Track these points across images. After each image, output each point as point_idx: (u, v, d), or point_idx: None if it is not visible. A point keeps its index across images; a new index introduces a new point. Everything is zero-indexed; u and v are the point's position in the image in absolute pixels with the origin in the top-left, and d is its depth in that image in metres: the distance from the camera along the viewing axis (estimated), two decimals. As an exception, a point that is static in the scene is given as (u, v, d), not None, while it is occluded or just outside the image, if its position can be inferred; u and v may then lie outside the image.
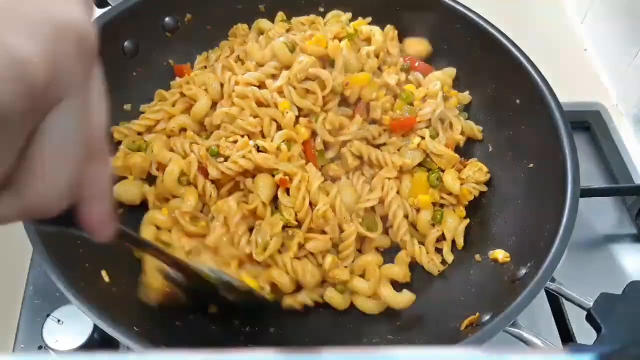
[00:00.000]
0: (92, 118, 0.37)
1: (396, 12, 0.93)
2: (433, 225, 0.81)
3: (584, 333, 0.82)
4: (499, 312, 0.63)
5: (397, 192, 0.81)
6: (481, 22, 0.86)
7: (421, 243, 0.81)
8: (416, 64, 0.90)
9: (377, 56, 0.87)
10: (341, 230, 0.77)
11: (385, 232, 0.81)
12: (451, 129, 0.86)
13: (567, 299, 0.68)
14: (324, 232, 0.76)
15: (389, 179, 0.81)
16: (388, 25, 0.92)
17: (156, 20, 0.88)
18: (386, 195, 0.79)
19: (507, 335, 0.64)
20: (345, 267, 0.77)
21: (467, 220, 0.82)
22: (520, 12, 1.25)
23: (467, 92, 0.90)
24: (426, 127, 0.84)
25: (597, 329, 0.63)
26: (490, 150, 0.87)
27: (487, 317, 0.66)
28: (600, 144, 1.05)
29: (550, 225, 0.69)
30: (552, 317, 0.83)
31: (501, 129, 0.86)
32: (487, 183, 0.85)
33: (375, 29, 0.91)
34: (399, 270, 0.77)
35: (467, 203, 0.83)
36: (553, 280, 0.68)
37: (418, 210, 0.81)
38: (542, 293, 0.66)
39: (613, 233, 0.96)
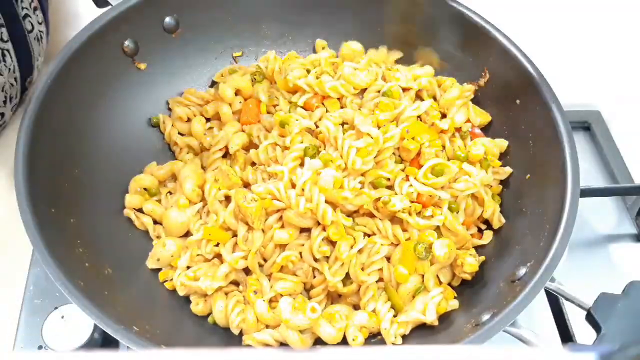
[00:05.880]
0: None
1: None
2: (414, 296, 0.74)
3: (584, 333, 0.82)
4: (499, 312, 0.64)
5: (389, 258, 0.76)
6: (481, 21, 0.86)
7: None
8: (471, 128, 0.86)
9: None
10: (314, 276, 0.76)
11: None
12: (480, 206, 0.80)
13: (567, 299, 0.68)
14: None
15: (382, 244, 0.76)
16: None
17: (156, 20, 0.88)
18: (369, 257, 0.76)
19: (507, 335, 0.64)
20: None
21: (441, 297, 0.73)
22: (521, 11, 1.25)
23: (507, 166, 0.83)
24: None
25: (597, 329, 0.63)
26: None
27: (487, 317, 0.66)
28: (600, 144, 1.05)
29: (550, 225, 0.70)
30: (552, 317, 0.83)
31: (501, 129, 0.86)
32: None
33: (454, 82, 0.88)
34: (369, 319, 0.72)
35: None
36: (553, 280, 0.68)
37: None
38: (542, 293, 0.66)
39: (613, 233, 0.96)
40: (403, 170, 0.80)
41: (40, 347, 0.73)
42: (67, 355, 0.69)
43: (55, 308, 0.74)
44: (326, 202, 0.74)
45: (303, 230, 0.76)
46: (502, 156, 0.85)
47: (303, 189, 0.74)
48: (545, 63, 0.83)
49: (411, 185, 0.78)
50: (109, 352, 0.73)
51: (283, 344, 0.71)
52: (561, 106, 0.78)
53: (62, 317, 0.74)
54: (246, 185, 0.80)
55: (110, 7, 0.83)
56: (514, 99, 0.83)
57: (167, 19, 0.88)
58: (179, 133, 0.89)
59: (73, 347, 0.71)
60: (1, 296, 0.80)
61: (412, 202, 0.77)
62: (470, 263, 0.75)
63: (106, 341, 0.74)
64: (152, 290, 0.76)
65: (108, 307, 0.62)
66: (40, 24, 0.93)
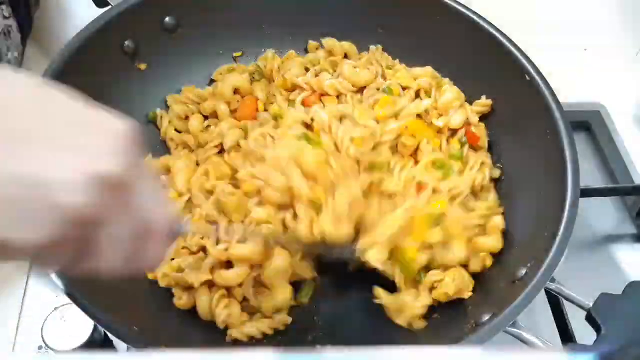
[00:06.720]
0: (143, 213, 0.46)
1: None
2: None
3: (584, 333, 0.82)
4: (499, 312, 0.63)
5: None
6: (480, 21, 0.86)
7: None
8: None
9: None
10: None
11: None
12: None
13: (567, 299, 0.68)
14: None
15: None
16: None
17: (156, 20, 0.88)
18: None
19: (507, 335, 0.64)
20: None
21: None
22: (520, 11, 1.25)
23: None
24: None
25: (597, 329, 0.63)
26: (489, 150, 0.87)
27: (487, 317, 0.66)
28: (600, 144, 1.05)
29: (550, 225, 0.69)
30: (552, 317, 0.83)
31: (501, 129, 0.86)
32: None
33: (451, 86, 0.88)
34: None
35: None
36: (553, 280, 0.68)
37: None
38: (542, 293, 0.66)
39: (613, 233, 0.96)
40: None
41: (40, 347, 0.73)
42: (67, 355, 0.69)
43: (55, 308, 0.74)
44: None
45: (281, 208, 0.75)
46: (501, 156, 0.85)
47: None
48: (545, 62, 0.83)
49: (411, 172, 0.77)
50: (109, 352, 0.73)
51: (267, 336, 0.72)
52: (561, 106, 0.77)
53: (62, 317, 0.74)
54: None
55: (110, 7, 0.83)
56: (514, 99, 0.83)
57: (167, 19, 0.88)
58: (176, 130, 0.89)
59: (73, 347, 0.71)
60: (1, 296, 0.81)
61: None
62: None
63: (106, 341, 0.74)
64: (150, 289, 0.76)
65: (108, 307, 0.62)
66: (6, 17, 0.90)
